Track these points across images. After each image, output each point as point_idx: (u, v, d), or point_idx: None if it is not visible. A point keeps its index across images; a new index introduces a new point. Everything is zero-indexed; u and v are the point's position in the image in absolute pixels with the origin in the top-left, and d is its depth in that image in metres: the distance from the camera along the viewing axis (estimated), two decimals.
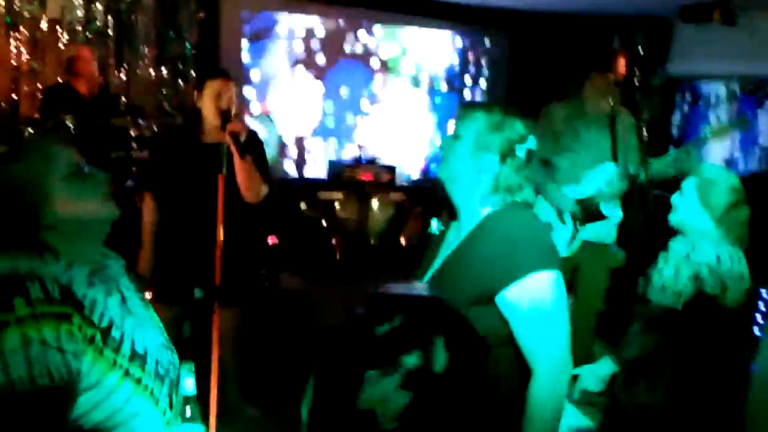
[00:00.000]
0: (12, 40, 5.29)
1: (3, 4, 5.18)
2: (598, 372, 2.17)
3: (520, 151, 1.70)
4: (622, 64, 3.57)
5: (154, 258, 3.03)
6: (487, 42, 7.38)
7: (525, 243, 1.64)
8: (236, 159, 2.82)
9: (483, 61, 7.43)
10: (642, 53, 6.64)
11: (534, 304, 1.59)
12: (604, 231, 3.47)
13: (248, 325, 3.20)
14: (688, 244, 2.20)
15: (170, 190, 3.00)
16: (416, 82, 7.07)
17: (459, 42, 7.25)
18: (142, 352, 1.32)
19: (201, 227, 2.87)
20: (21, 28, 5.31)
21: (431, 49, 7.09)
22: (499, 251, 1.63)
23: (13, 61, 5.29)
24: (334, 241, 5.79)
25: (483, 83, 7.47)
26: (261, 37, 6.28)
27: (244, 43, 6.23)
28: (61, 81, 4.79)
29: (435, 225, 6.44)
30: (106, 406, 1.24)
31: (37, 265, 1.23)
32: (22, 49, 5.33)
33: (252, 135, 3.06)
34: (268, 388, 3.58)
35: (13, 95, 5.23)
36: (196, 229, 2.92)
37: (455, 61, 7.26)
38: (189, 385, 1.43)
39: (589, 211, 3.34)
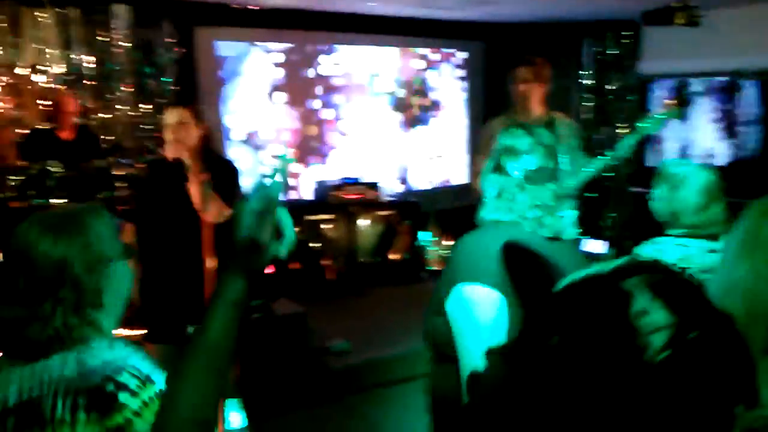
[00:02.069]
0: None
1: None
2: None
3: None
4: (545, 70, 3.63)
5: (142, 298, 3.04)
6: (462, 54, 7.51)
7: (467, 257, 1.71)
8: (191, 179, 2.91)
9: (463, 73, 7.57)
10: (612, 55, 6.78)
11: (458, 314, 1.63)
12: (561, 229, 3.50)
13: (245, 353, 3.24)
14: (655, 245, 2.25)
15: (151, 223, 3.06)
16: (393, 99, 7.18)
17: (433, 56, 7.37)
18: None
19: (184, 260, 2.93)
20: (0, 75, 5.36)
21: (405, 66, 7.20)
22: (449, 266, 1.75)
23: None
24: (324, 262, 5.84)
25: (461, 96, 7.60)
26: (237, 66, 6.36)
27: (222, 73, 6.30)
28: (40, 126, 4.84)
29: (423, 238, 6.53)
30: None
31: (108, 348, 1.16)
32: (3, 95, 5.38)
33: (220, 160, 3.17)
34: (272, 412, 3.63)
35: None
36: (180, 262, 2.97)
37: (430, 75, 7.38)
38: (236, 419, 1.43)
39: None
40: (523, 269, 1.60)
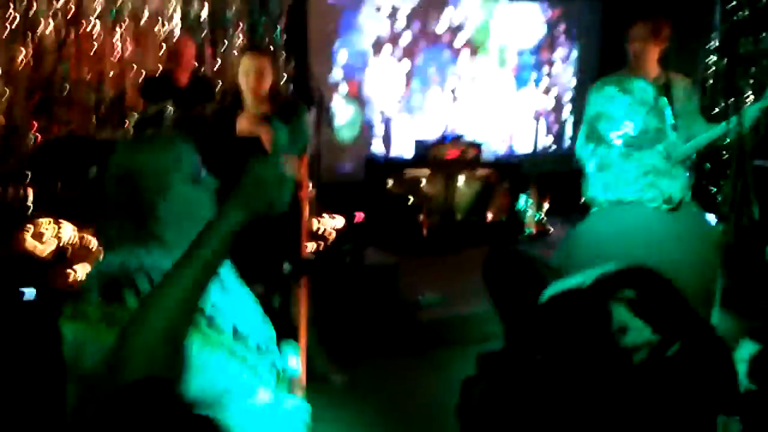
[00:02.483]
0: (117, 33, 5.66)
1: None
2: (740, 355, 1.95)
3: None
4: (664, 29, 3.39)
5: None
6: (577, 10, 7.18)
7: (581, 254, 1.57)
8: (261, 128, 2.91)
9: (574, 31, 7.25)
10: (746, 16, 6.25)
11: None
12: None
13: (334, 298, 3.33)
14: None
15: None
16: (503, 57, 6.99)
17: (547, 13, 7.09)
18: (243, 330, 1.35)
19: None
20: (124, 21, 5.67)
21: (518, 23, 6.97)
22: (562, 256, 1.62)
23: (117, 53, 5.68)
24: (420, 218, 5.86)
25: (574, 54, 7.29)
26: (348, 18, 6.39)
27: (332, 25, 6.36)
28: (160, 70, 5.08)
29: (523, 201, 6.39)
30: (214, 384, 1.26)
31: (144, 257, 1.29)
32: (127, 40, 5.70)
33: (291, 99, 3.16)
34: (354, 357, 3.73)
35: (119, 83, 5.61)
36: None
37: (543, 32, 7.11)
38: (293, 363, 1.49)
39: None
40: (507, 280, 1.45)
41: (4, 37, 5.36)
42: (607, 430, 0.81)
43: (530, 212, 6.39)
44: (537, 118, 7.24)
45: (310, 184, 5.31)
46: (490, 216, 6.22)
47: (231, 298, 1.39)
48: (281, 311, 3.35)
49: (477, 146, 6.17)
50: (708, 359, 0.82)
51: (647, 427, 0.80)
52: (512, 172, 6.28)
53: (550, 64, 7.22)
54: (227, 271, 1.45)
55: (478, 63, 6.89)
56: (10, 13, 5.34)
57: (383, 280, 4.32)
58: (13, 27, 5.37)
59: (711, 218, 5.78)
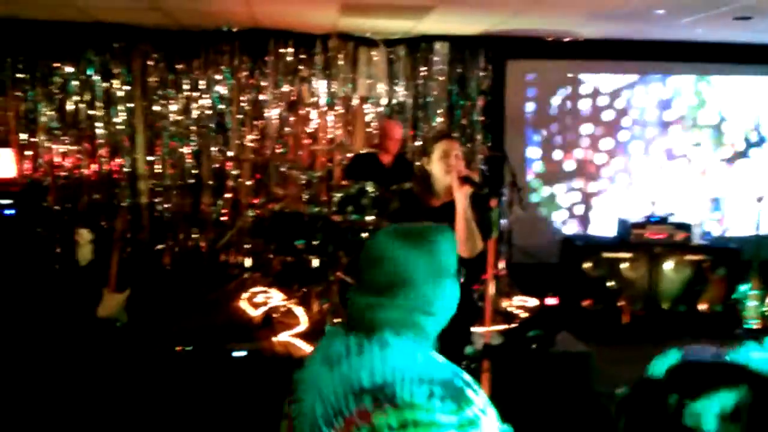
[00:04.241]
0: (329, 117, 6.21)
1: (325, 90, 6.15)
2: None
3: None
4: None
5: None
6: None
7: None
8: (460, 212, 2.85)
9: None
10: None
11: None
12: None
13: (519, 386, 3.21)
14: None
15: None
16: (719, 132, 6.48)
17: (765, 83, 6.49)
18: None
19: None
20: (336, 107, 6.21)
21: (736, 96, 6.45)
22: None
23: (330, 135, 6.21)
24: (620, 304, 5.50)
25: None
26: (546, 98, 6.38)
27: (529, 106, 6.39)
28: (365, 151, 5.40)
29: (743, 290, 5.74)
30: None
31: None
32: (338, 124, 6.22)
33: (478, 192, 3.06)
34: None
35: (329, 163, 6.10)
36: None
37: (761, 104, 6.50)
38: None
39: None
40: None
41: (234, 123, 6.14)
42: None
43: (751, 303, 5.70)
44: (760, 199, 6.53)
45: (502, 263, 5.28)
46: (702, 306, 5.65)
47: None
48: None
49: (686, 228, 5.70)
50: None
51: None
52: (729, 258, 5.68)
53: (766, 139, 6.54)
54: None
55: (689, 139, 6.45)
56: (241, 102, 6.13)
57: (575, 370, 4.07)
58: (243, 114, 6.15)
59: None
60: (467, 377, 1.21)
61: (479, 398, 1.19)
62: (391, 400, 1.16)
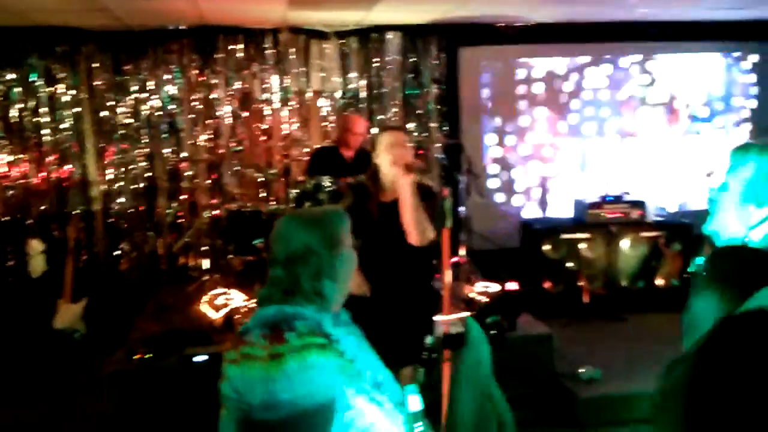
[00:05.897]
0: (284, 113, 6.14)
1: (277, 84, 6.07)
2: None
3: None
4: None
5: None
6: (753, 57, 6.63)
7: None
8: (404, 200, 2.86)
9: (750, 80, 6.68)
10: None
11: None
12: None
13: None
14: None
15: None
16: (670, 110, 6.60)
17: (719, 62, 6.61)
18: (380, 381, 1.55)
19: (392, 280, 2.97)
20: (290, 102, 6.14)
21: (686, 74, 6.57)
22: None
23: (285, 131, 6.14)
24: (580, 284, 5.57)
25: (751, 105, 6.70)
26: (500, 84, 6.41)
27: (484, 92, 6.41)
28: (325, 145, 5.32)
29: (697, 263, 5.85)
30: (358, 426, 1.44)
31: (302, 307, 1.52)
32: (293, 119, 6.16)
33: (426, 185, 3.04)
34: None
35: (285, 159, 6.03)
36: (387, 282, 2.97)
37: (715, 82, 6.63)
38: (414, 402, 1.62)
39: None
40: None
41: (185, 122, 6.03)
42: None
43: None
44: (710, 174, 6.67)
45: (462, 251, 5.29)
46: (659, 281, 5.76)
47: (366, 356, 1.61)
48: (425, 386, 3.30)
49: (641, 205, 5.80)
50: None
51: None
52: (683, 233, 5.79)
53: (725, 115, 6.68)
54: (359, 336, 1.66)
55: (641, 117, 6.56)
56: (192, 101, 6.02)
57: (536, 352, 4.12)
58: (195, 113, 6.04)
59: None
60: (308, 324, 1.48)
61: (309, 337, 1.45)
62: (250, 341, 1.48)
